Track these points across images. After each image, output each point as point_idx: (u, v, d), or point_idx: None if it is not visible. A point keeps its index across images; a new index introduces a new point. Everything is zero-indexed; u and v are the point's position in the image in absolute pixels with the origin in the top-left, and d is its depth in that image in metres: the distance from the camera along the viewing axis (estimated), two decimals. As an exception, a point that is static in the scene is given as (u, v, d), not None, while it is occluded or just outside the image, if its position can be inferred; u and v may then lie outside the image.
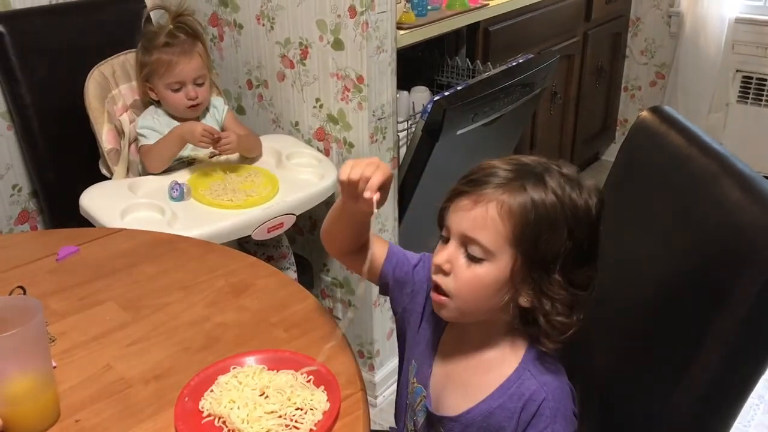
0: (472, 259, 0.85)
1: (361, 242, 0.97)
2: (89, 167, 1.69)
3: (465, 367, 0.93)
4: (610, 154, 3.49)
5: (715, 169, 0.86)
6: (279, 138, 1.81)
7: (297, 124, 1.84)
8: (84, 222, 1.47)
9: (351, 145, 1.75)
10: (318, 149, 1.80)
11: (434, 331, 0.97)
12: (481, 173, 0.86)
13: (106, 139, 1.61)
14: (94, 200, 1.50)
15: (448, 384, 0.94)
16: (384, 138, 1.76)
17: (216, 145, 1.57)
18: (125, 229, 1.32)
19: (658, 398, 0.83)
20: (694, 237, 0.84)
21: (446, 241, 0.88)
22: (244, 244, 1.68)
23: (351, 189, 0.87)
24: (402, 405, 1.05)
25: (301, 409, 0.86)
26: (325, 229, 1.01)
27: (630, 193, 1.02)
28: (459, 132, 1.88)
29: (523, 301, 0.86)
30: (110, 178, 1.63)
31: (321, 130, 1.79)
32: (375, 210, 0.86)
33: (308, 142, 1.82)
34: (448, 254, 0.86)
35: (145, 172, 1.63)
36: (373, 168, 0.86)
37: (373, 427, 1.18)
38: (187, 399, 0.88)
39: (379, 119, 1.72)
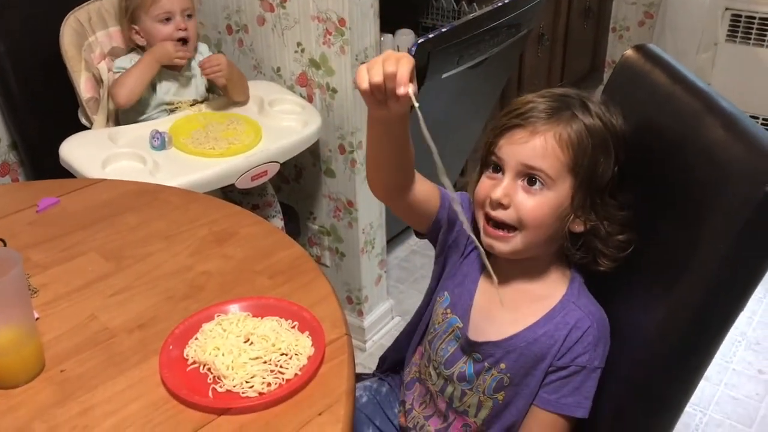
0: (532, 189, 0.87)
1: (409, 171, 0.92)
2: (69, 117, 1.66)
3: (510, 298, 0.95)
4: (599, 96, 3.46)
5: (698, 108, 0.85)
6: (261, 84, 1.78)
7: (279, 69, 1.81)
8: (66, 173, 1.45)
9: (334, 91, 1.72)
10: (301, 95, 1.77)
11: (475, 265, 0.99)
12: (527, 107, 0.88)
13: (84, 87, 1.58)
14: (74, 151, 1.48)
15: (489, 315, 0.96)
16: (368, 83, 1.73)
17: (205, 68, 1.55)
18: (106, 179, 1.30)
19: (645, 329, 0.84)
20: (677, 176, 0.84)
21: (495, 172, 0.89)
22: (228, 193, 1.67)
23: (378, 94, 0.77)
24: (414, 340, 1.07)
25: (286, 355, 0.86)
26: (369, 164, 0.93)
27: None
28: (444, 75, 1.85)
29: (577, 227, 0.89)
30: (90, 128, 1.60)
31: (303, 76, 1.76)
32: (416, 104, 0.77)
33: (291, 88, 1.79)
34: (505, 188, 0.87)
35: (125, 120, 1.61)
36: (393, 61, 0.75)
37: (362, 371, 1.20)
38: (171, 347, 0.88)
39: (362, 63, 1.68)
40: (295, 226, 1.87)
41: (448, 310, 0.99)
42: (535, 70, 2.74)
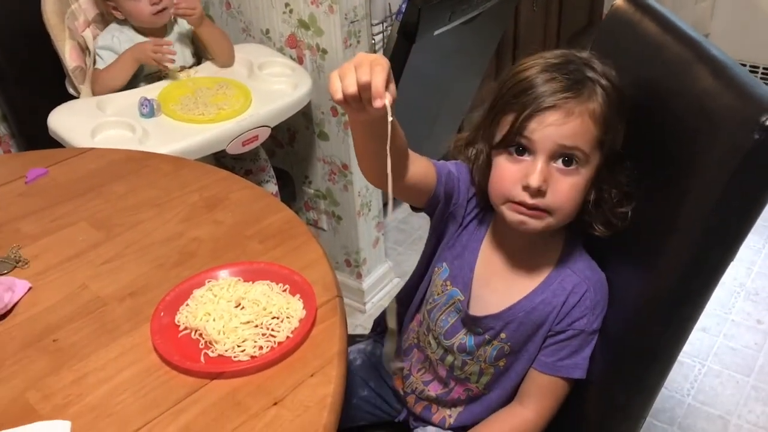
0: (568, 169, 0.84)
1: (402, 158, 0.88)
2: (58, 87, 1.64)
3: (508, 269, 0.95)
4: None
5: (688, 57, 0.83)
6: (250, 47, 1.75)
7: (268, 31, 1.78)
8: (56, 144, 1.44)
9: (324, 52, 1.69)
10: (291, 57, 1.75)
11: (474, 236, 0.98)
12: (546, 87, 0.83)
13: (69, 57, 1.55)
14: (63, 121, 1.46)
15: (489, 285, 0.96)
16: (359, 42, 1.70)
17: (179, 6, 1.53)
18: (94, 148, 1.29)
19: (635, 282, 0.84)
20: (667, 128, 0.83)
21: (520, 154, 0.85)
22: (221, 158, 1.65)
23: (354, 104, 0.74)
24: (411, 308, 1.06)
25: (278, 318, 0.87)
26: (358, 157, 0.90)
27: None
28: (436, 32, 1.82)
29: (588, 195, 0.88)
30: (78, 98, 1.58)
31: (293, 37, 1.73)
32: (390, 117, 0.73)
33: (280, 51, 1.77)
34: (541, 172, 0.83)
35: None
36: (366, 69, 0.71)
37: (364, 332, 1.20)
38: (162, 314, 0.88)
39: (351, 22, 1.66)
40: (290, 190, 1.86)
41: (448, 282, 0.98)
42: (530, 26, 2.70)
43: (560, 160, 0.84)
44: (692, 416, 1.65)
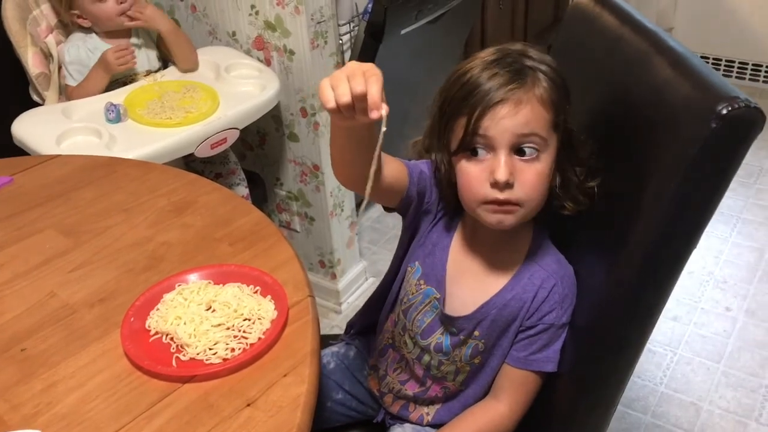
0: (527, 158, 0.85)
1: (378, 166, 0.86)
2: (23, 94, 1.62)
3: (478, 265, 0.95)
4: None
5: (647, 48, 0.85)
6: (216, 50, 1.75)
7: (234, 34, 1.77)
8: (22, 152, 1.42)
9: (292, 53, 1.69)
10: (258, 59, 1.74)
11: (444, 234, 0.98)
12: (490, 83, 0.84)
13: (32, 63, 1.54)
14: (27, 128, 1.44)
15: (461, 282, 0.96)
16: (326, 43, 1.71)
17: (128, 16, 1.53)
18: (61, 155, 1.27)
19: (600, 272, 0.86)
20: (626, 120, 0.84)
21: (476, 155, 0.85)
22: (190, 163, 1.65)
23: (346, 113, 0.72)
24: (385, 309, 1.06)
25: (249, 320, 0.86)
26: (333, 162, 0.89)
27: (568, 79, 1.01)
28: (403, 32, 1.83)
29: (554, 180, 0.89)
30: (43, 104, 1.57)
31: (259, 39, 1.73)
32: (384, 128, 0.72)
33: (247, 53, 1.76)
34: (507, 167, 0.84)
35: (78, 96, 1.57)
36: (360, 79, 0.70)
37: (339, 333, 1.20)
38: (133, 319, 0.87)
39: (318, 23, 1.66)
40: (261, 192, 1.86)
41: (422, 281, 0.98)
42: (497, 23, 2.72)
43: (520, 151, 0.85)
44: (665, 404, 1.68)
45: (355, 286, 2.07)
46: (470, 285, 0.95)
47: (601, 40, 0.93)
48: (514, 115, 0.83)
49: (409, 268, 1.01)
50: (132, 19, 1.54)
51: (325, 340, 1.16)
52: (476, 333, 0.95)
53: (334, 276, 2.01)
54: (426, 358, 1.00)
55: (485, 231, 0.92)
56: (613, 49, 0.90)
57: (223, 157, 1.66)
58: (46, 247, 1.03)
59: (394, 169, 0.92)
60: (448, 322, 0.96)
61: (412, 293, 0.99)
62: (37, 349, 0.86)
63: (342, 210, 1.94)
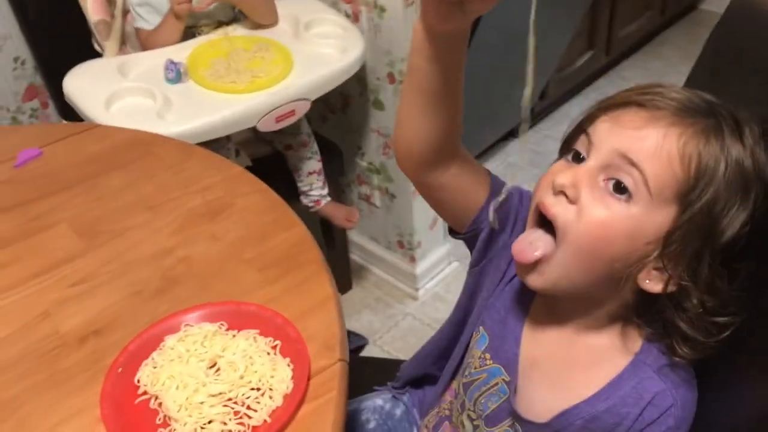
0: (615, 195, 0.61)
1: (453, 129, 0.68)
2: (87, 41, 1.48)
3: (558, 354, 0.71)
4: (710, 3, 2.99)
5: None
6: (298, 2, 1.53)
7: (320, -18, 1.55)
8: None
9: (382, 9, 1.45)
10: (345, 13, 1.52)
11: (520, 298, 0.75)
12: (654, 89, 0.63)
13: (91, 8, 1.39)
14: (79, 84, 1.31)
15: (538, 367, 0.72)
16: (423, -1, 1.45)
17: None
18: (98, 125, 1.12)
19: (744, 408, 0.60)
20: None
21: (575, 160, 0.65)
22: (259, 132, 1.46)
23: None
24: (446, 374, 0.85)
25: (258, 389, 0.68)
26: (401, 113, 0.69)
27: (724, 86, 0.73)
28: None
29: (652, 284, 0.62)
30: (102, 55, 1.42)
31: (348, -9, 1.50)
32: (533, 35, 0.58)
33: (334, 5, 1.53)
34: (576, 175, 0.62)
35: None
36: None
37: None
38: (121, 369, 0.71)
39: (415, -24, 1.40)
40: (339, 164, 1.66)
41: (487, 355, 0.75)
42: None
43: (612, 182, 0.61)
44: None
45: (436, 270, 1.87)
46: (549, 372, 0.71)
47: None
48: (634, 129, 0.60)
49: (474, 333, 0.78)
50: None
51: (367, 389, 0.96)
52: None
53: (412, 259, 1.81)
54: None
55: (570, 305, 0.69)
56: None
57: (295, 127, 1.46)
58: (55, 248, 0.89)
59: (474, 171, 0.73)
60: (518, 420, 0.73)
61: (475, 368, 0.77)
62: (8, 392, 0.71)
63: (428, 188, 1.72)
